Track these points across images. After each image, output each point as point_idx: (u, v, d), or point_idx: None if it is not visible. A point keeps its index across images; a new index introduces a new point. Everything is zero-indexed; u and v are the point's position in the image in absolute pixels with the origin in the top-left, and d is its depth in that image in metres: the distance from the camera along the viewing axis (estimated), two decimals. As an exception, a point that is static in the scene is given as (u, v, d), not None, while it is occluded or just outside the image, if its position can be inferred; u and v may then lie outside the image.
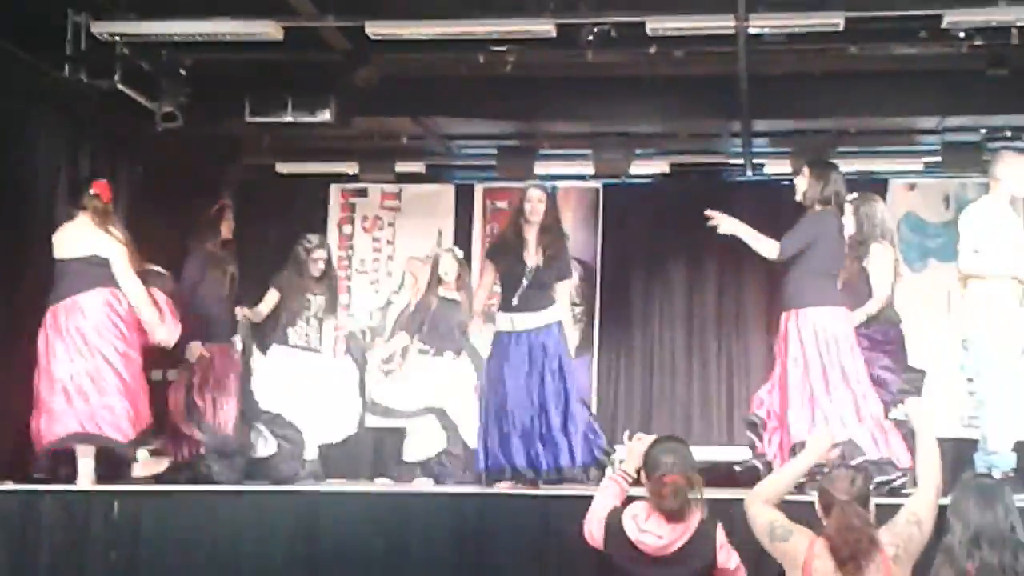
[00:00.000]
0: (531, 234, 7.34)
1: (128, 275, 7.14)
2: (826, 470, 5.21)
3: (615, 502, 4.99)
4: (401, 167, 10.50)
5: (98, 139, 8.61)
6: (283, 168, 10.55)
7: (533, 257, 7.30)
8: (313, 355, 8.39)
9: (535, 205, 7.36)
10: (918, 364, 7.53)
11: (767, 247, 6.64)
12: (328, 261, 8.48)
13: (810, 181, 6.73)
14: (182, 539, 6.24)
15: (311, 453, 8.17)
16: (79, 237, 7.17)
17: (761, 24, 7.59)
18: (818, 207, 6.69)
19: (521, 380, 7.16)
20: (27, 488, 6.48)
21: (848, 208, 7.06)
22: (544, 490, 6.88)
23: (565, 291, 7.58)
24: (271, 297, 8.32)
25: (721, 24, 7.57)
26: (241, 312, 8.15)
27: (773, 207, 8.47)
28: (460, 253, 8.71)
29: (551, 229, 7.39)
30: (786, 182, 10.35)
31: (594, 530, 4.93)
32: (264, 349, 8.28)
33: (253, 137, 9.74)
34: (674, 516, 4.76)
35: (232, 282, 8.18)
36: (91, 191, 7.28)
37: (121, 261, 7.13)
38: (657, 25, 7.60)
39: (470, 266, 8.97)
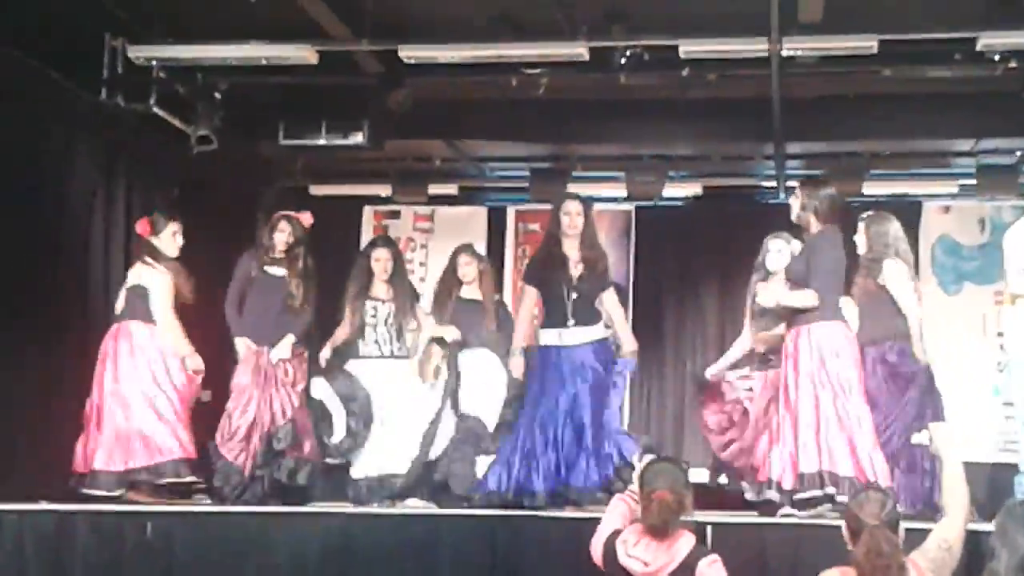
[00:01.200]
0: (571, 248, 7.16)
1: (161, 305, 7.31)
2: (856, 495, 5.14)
3: (621, 523, 4.95)
4: (434, 189, 10.53)
5: (134, 162, 8.69)
6: (317, 190, 10.60)
7: (574, 270, 7.12)
8: (391, 362, 7.69)
9: (573, 218, 7.16)
10: (953, 388, 7.46)
11: (805, 298, 6.52)
12: (396, 262, 7.81)
13: (803, 201, 6.67)
14: (215, 560, 6.25)
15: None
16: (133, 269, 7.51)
17: (794, 47, 7.58)
18: (815, 227, 6.64)
19: (559, 396, 6.97)
20: (62, 508, 6.50)
21: (860, 226, 7.01)
22: (574, 512, 6.80)
23: (611, 302, 7.24)
24: (342, 329, 7.73)
25: (754, 48, 7.57)
26: (323, 358, 7.65)
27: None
28: (481, 249, 8.24)
29: (590, 241, 7.22)
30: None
31: (596, 551, 4.91)
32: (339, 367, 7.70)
33: (287, 160, 9.80)
34: (658, 533, 4.70)
35: (290, 299, 7.69)
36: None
37: (157, 291, 7.33)
38: (690, 48, 7.61)
39: (501, 278, 8.80)
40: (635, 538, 4.76)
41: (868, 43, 7.44)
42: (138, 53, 7.87)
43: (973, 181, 9.82)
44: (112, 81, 7.89)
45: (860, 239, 6.96)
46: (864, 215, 7.10)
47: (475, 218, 10.85)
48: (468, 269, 7.83)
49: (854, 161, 9.64)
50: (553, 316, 7.14)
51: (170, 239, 7.48)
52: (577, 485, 6.86)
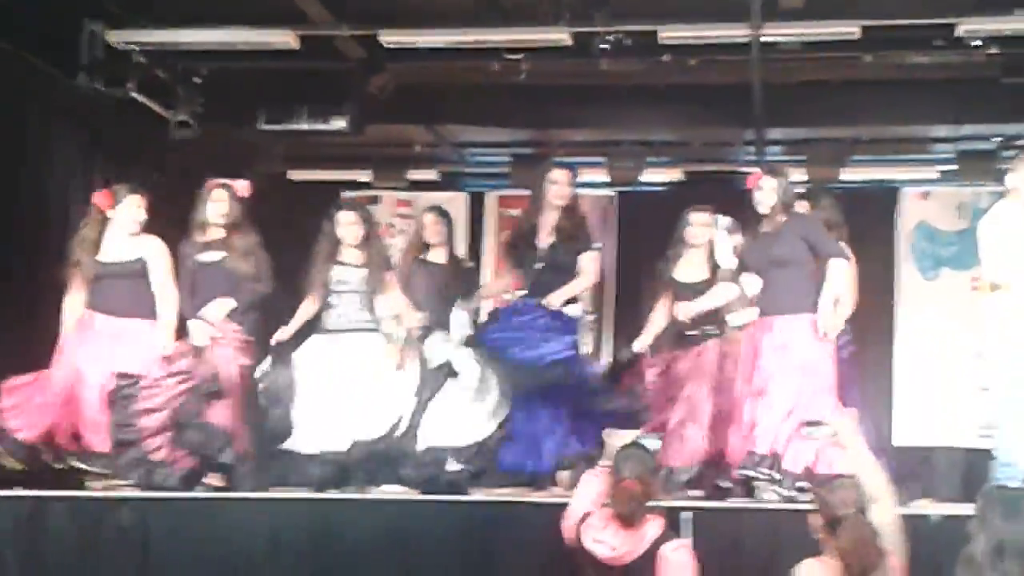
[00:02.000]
0: (549, 218, 7.08)
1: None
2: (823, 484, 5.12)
3: (591, 504, 4.93)
4: (414, 175, 10.51)
5: (113, 147, 8.64)
6: (295, 175, 10.57)
7: (544, 240, 7.05)
8: (358, 335, 7.07)
9: (562, 187, 7.09)
10: (930, 373, 7.48)
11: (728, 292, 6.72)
12: (367, 225, 7.19)
13: (776, 190, 6.64)
14: (192, 547, 6.23)
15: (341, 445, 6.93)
16: None
17: (775, 33, 7.60)
18: (781, 216, 6.65)
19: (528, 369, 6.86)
20: (36, 494, 6.49)
21: (804, 207, 6.97)
22: (545, 496, 6.67)
23: (585, 261, 7.07)
24: (303, 309, 7.21)
25: (735, 33, 7.58)
26: (275, 340, 7.12)
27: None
28: (446, 209, 7.85)
29: (569, 208, 7.13)
30: (801, 189, 10.43)
31: (568, 532, 4.91)
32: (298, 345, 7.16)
33: (268, 145, 9.76)
34: (626, 521, 4.72)
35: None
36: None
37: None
38: (670, 34, 7.62)
39: (479, 265, 8.67)
40: (602, 523, 4.77)
41: (850, 29, 7.46)
42: (117, 38, 7.84)
43: (953, 167, 9.85)
44: (91, 66, 7.86)
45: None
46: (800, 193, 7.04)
47: (455, 203, 10.79)
48: (436, 229, 7.59)
49: (834, 147, 9.65)
50: (524, 284, 7.13)
51: (132, 212, 6.95)
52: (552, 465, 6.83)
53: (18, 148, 7.73)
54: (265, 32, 7.75)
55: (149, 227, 7.12)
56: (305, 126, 8.56)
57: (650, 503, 4.80)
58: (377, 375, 6.96)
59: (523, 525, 6.03)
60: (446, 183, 10.86)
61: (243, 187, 7.21)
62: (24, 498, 6.42)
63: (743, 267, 6.83)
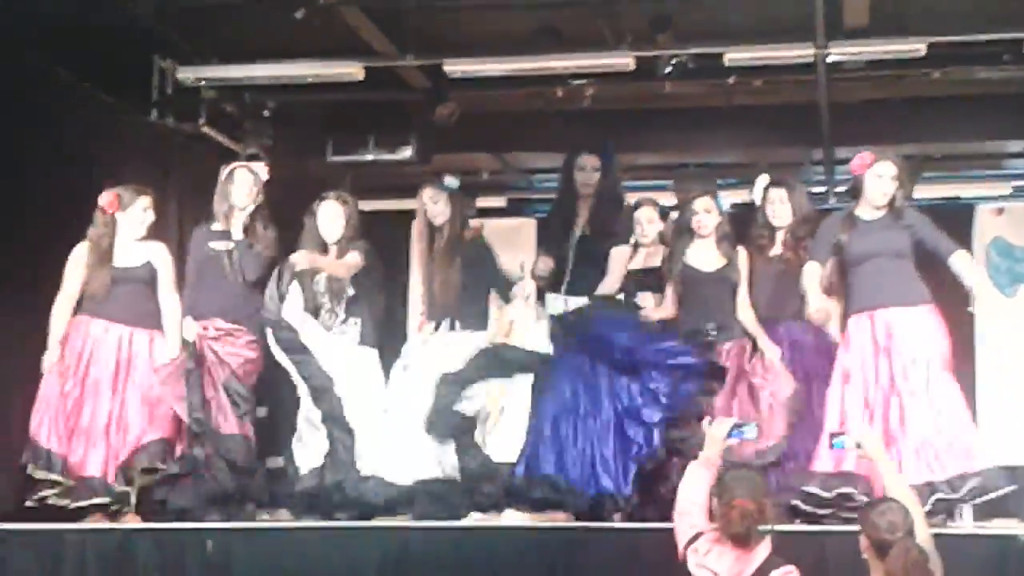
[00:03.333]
0: (582, 208, 6.78)
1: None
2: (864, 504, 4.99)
3: (706, 488, 4.84)
4: (482, 202, 10.53)
5: (184, 182, 8.75)
6: (365, 206, 10.62)
7: (576, 231, 6.72)
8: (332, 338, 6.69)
9: (588, 174, 6.75)
10: (1008, 389, 7.33)
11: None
12: (348, 219, 6.83)
13: (896, 178, 6.35)
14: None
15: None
16: None
17: (841, 52, 7.55)
18: (887, 207, 6.36)
19: (574, 380, 6.29)
20: (123, 527, 6.53)
21: (781, 194, 6.74)
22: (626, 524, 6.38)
23: (615, 256, 6.53)
24: None
25: (799, 53, 7.54)
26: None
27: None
28: (452, 183, 6.95)
29: (603, 196, 6.74)
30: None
31: (680, 543, 4.82)
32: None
33: (336, 176, 9.84)
34: (740, 542, 4.64)
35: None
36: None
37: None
38: (735, 56, 7.59)
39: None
40: (707, 546, 4.71)
41: (916, 46, 7.40)
42: (187, 73, 7.96)
43: (1026, 182, 9.74)
44: (162, 102, 7.99)
45: (784, 208, 6.73)
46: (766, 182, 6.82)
47: (524, 230, 10.83)
48: (438, 207, 6.84)
49: (905, 165, 9.54)
50: (558, 279, 6.77)
51: (139, 215, 6.80)
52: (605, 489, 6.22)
53: (92, 185, 7.83)
54: (331, 64, 7.84)
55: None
56: (372, 156, 8.65)
57: (762, 526, 4.70)
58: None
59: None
60: (513, 209, 10.88)
61: (263, 170, 6.98)
62: (111, 531, 6.45)
63: (848, 257, 6.37)
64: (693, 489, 4.92)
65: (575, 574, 5.97)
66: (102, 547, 6.24)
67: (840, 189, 10.21)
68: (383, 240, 10.70)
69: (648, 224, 7.01)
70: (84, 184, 7.53)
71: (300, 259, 6.45)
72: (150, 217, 6.88)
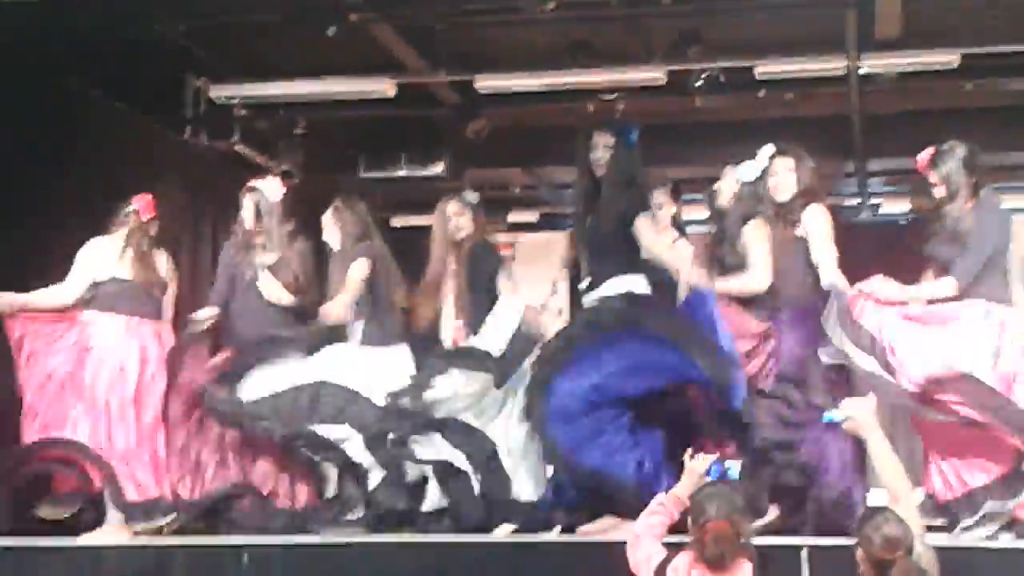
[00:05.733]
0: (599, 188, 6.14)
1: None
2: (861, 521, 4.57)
3: (658, 535, 4.69)
4: (514, 217, 10.57)
5: (218, 199, 8.80)
6: (398, 222, 10.68)
7: (592, 212, 6.11)
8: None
9: (601, 153, 6.12)
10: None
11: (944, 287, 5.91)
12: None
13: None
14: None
15: None
16: None
17: (873, 63, 7.52)
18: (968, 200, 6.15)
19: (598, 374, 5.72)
20: (158, 543, 6.55)
21: (788, 163, 6.30)
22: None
23: (641, 227, 5.91)
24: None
25: (831, 66, 7.52)
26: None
27: (892, 247, 8.34)
28: (473, 198, 6.66)
29: (614, 174, 6.08)
30: (904, 221, 10.29)
31: (636, 568, 4.69)
32: None
33: (368, 192, 9.87)
34: (716, 565, 4.50)
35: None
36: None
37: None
38: (766, 69, 7.58)
39: None
40: (686, 567, 4.58)
41: (949, 58, 7.36)
42: (219, 92, 8.01)
43: (1060, 193, 9.65)
44: (195, 120, 8.05)
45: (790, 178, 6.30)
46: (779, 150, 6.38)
47: (556, 244, 10.83)
48: (461, 221, 6.58)
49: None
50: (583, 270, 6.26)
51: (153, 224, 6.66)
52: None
53: (127, 205, 7.89)
54: (362, 81, 7.87)
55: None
56: (404, 172, 8.69)
57: (740, 544, 4.57)
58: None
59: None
60: (545, 224, 10.90)
61: (276, 187, 6.74)
62: (147, 548, 6.46)
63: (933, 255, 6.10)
64: (644, 527, 4.73)
65: None
66: (139, 562, 6.28)
67: (874, 201, 10.20)
68: (415, 256, 10.81)
69: (664, 208, 6.85)
70: (120, 204, 7.57)
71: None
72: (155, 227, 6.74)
